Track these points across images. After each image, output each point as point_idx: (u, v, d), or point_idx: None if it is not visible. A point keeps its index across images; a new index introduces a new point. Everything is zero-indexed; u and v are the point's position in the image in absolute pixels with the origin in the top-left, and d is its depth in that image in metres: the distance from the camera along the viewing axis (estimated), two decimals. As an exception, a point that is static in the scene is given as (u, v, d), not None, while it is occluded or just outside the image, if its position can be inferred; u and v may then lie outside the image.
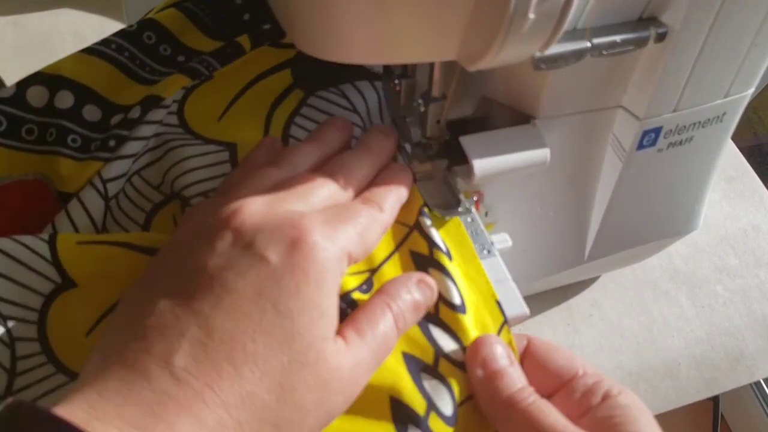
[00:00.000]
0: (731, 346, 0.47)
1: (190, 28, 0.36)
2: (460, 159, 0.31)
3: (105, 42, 0.35)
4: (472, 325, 0.28)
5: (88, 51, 0.34)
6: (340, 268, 0.24)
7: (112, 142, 0.33)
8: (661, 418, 0.44)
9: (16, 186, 0.33)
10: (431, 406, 0.26)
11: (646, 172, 0.35)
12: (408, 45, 0.24)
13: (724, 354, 0.46)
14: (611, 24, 0.28)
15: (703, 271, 0.51)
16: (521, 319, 0.30)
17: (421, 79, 0.32)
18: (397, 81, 0.33)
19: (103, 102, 0.34)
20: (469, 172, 0.30)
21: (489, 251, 0.31)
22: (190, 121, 0.34)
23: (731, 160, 0.58)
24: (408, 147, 0.34)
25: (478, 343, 0.27)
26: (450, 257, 0.30)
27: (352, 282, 0.28)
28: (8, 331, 0.26)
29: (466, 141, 0.31)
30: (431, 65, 0.30)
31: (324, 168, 0.29)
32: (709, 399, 0.48)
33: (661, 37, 0.29)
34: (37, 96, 0.33)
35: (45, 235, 0.28)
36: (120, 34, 0.35)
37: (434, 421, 0.26)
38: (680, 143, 0.35)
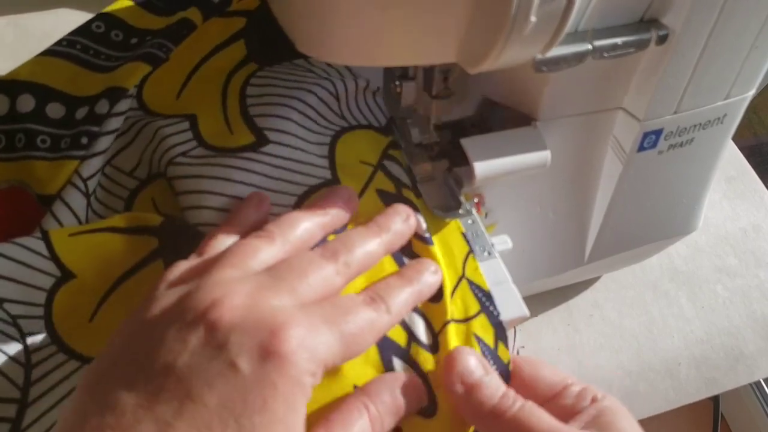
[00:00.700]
0: (731, 346, 0.47)
1: (138, 12, 0.37)
2: (460, 161, 0.31)
3: (56, 42, 0.35)
4: (440, 256, 0.30)
5: (42, 54, 0.35)
6: (313, 381, 0.23)
7: (84, 140, 0.33)
8: (661, 418, 0.44)
9: (-5, 196, 0.33)
10: (411, 336, 0.27)
11: (646, 174, 0.35)
12: (407, 48, 0.24)
13: (723, 354, 0.46)
14: (612, 26, 0.28)
15: (703, 271, 0.51)
16: (521, 321, 0.30)
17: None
18: (397, 82, 0.33)
19: (64, 97, 0.34)
20: (470, 174, 0.30)
21: (489, 253, 0.31)
22: (150, 104, 0.34)
23: (731, 160, 0.58)
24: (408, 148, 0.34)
25: (451, 358, 0.27)
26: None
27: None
28: (19, 329, 0.27)
29: (467, 143, 0.31)
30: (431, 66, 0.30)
31: (323, 246, 0.26)
32: (709, 399, 0.48)
33: (662, 40, 0.29)
34: None
35: (39, 234, 0.28)
36: (70, 32, 0.36)
37: (415, 350, 0.27)
38: (681, 145, 0.35)
